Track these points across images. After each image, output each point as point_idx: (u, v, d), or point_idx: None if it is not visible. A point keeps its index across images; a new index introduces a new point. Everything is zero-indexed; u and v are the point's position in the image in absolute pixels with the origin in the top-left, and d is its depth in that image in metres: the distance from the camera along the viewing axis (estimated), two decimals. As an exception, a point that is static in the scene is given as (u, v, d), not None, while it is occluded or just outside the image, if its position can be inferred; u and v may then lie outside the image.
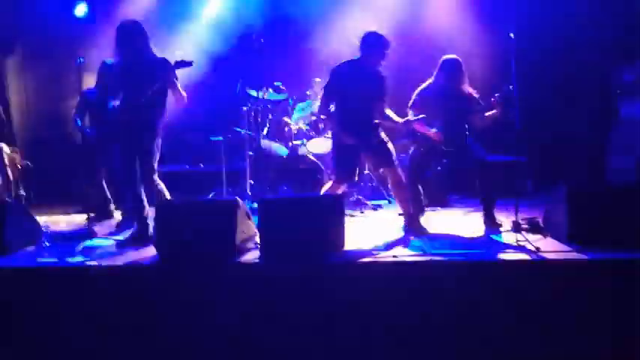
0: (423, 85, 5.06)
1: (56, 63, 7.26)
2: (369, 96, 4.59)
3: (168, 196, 4.58)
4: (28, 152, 6.71)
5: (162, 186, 4.62)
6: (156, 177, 4.57)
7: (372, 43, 4.58)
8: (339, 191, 4.66)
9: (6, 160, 6.28)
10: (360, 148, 4.63)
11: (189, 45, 7.10)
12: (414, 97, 5.06)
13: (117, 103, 4.44)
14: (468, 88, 4.96)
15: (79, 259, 4.04)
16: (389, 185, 4.86)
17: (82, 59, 4.64)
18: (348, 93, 4.57)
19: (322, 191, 4.74)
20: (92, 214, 5.57)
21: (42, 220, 4.86)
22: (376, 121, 4.66)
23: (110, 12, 7.58)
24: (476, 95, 4.95)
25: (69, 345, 3.64)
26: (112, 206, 5.89)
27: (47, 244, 4.51)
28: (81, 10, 7.44)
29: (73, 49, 6.56)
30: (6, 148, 6.35)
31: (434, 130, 4.81)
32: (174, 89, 4.44)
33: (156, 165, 4.56)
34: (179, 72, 4.39)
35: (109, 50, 6.57)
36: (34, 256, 4.21)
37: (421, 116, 4.69)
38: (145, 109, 4.38)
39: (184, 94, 4.48)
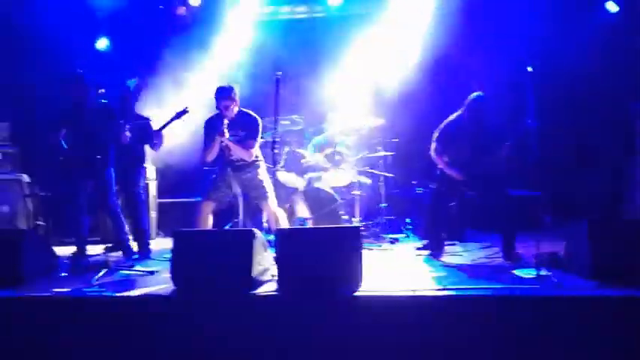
0: (448, 120, 5.08)
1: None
2: None
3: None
4: (48, 182, 6.75)
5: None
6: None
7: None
8: None
9: (26, 190, 6.36)
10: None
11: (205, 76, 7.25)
12: (438, 131, 5.08)
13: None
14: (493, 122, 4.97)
15: (95, 289, 4.02)
16: None
17: (103, 90, 4.71)
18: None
19: None
20: (110, 245, 5.61)
21: (59, 250, 4.87)
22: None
23: (130, 46, 7.77)
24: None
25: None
26: (130, 237, 5.90)
27: (64, 274, 4.51)
28: (102, 43, 7.61)
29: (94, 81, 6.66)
30: (25, 178, 6.43)
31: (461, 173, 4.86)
32: None
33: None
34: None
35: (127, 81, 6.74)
36: (50, 286, 4.19)
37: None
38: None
39: None
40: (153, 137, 5.55)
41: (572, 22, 6.92)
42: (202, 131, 5.21)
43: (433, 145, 5.12)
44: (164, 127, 5.45)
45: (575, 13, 7.00)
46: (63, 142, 5.10)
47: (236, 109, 5.14)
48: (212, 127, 5.09)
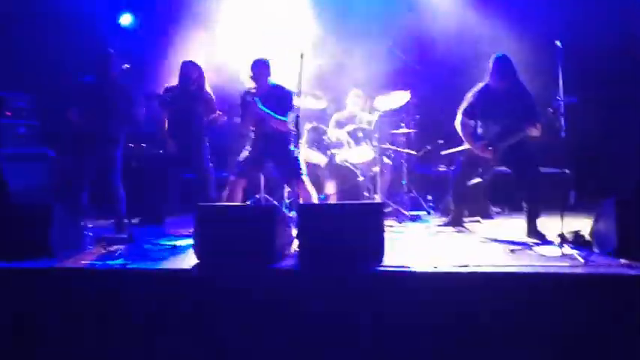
0: (475, 89, 4.98)
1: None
2: None
3: None
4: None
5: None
6: None
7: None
8: None
9: (51, 165, 6.44)
10: None
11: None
12: (465, 101, 5.00)
13: None
14: (524, 85, 4.88)
15: (119, 262, 4.09)
16: None
17: (127, 66, 4.73)
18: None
19: None
20: (138, 219, 5.69)
21: (88, 224, 4.95)
22: None
23: (154, 21, 7.77)
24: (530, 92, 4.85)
25: (108, 346, 3.69)
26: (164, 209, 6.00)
27: (89, 247, 4.59)
28: (126, 19, 7.62)
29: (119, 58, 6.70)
30: (51, 152, 6.52)
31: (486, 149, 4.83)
32: None
33: None
34: None
35: (153, 58, 6.79)
36: (76, 258, 4.27)
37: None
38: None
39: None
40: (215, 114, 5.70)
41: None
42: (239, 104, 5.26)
43: (458, 117, 5.04)
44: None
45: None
46: (73, 118, 5.27)
47: (270, 82, 5.18)
48: (247, 99, 5.13)
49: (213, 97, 5.82)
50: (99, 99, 5.19)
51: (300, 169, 5.12)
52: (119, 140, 5.35)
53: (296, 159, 5.14)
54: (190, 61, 5.75)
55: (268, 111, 5.05)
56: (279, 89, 5.20)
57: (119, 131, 5.34)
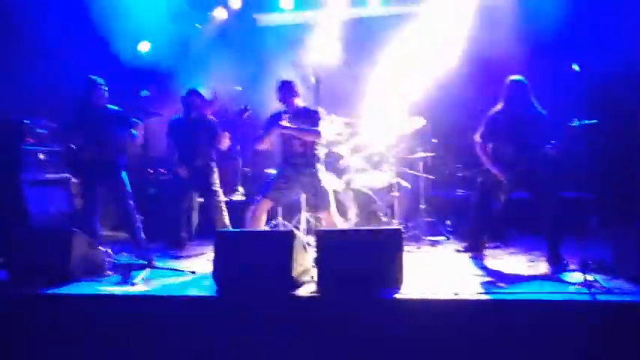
0: (490, 112, 4.98)
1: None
2: None
3: None
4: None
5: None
6: None
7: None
8: None
9: (73, 190, 6.52)
10: None
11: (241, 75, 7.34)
12: (483, 125, 5.00)
13: None
14: (537, 108, 4.85)
15: (138, 289, 4.10)
16: None
17: (147, 92, 4.80)
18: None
19: None
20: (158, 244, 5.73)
21: (106, 249, 4.97)
22: None
23: (172, 49, 7.90)
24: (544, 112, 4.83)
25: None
26: (184, 235, 6.02)
27: (110, 273, 4.61)
28: (144, 46, 7.76)
29: (138, 83, 6.80)
30: (73, 179, 6.60)
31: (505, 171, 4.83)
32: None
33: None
34: None
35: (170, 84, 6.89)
36: (96, 285, 4.29)
37: None
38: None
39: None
40: (219, 138, 5.69)
41: (619, 18, 6.71)
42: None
43: (477, 141, 5.05)
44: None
45: (622, 10, 6.78)
46: (73, 146, 5.42)
47: (299, 103, 5.16)
48: (274, 120, 5.07)
49: (215, 122, 5.91)
50: (93, 127, 5.28)
51: (329, 201, 5.04)
52: (117, 164, 5.40)
53: (326, 191, 5.03)
54: (193, 89, 5.86)
55: (292, 126, 4.99)
56: (305, 109, 5.14)
57: (116, 156, 5.40)
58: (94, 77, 5.35)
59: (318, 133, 5.02)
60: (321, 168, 5.20)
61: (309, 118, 5.07)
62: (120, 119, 5.36)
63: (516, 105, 4.84)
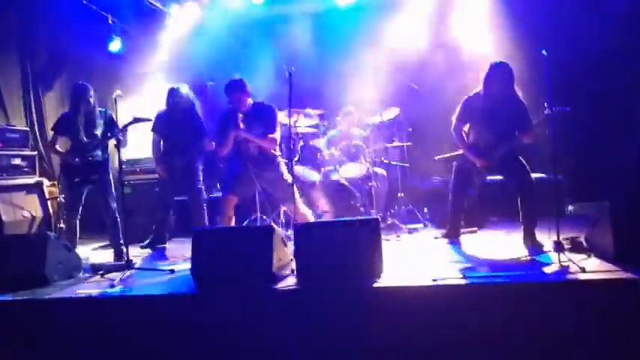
0: (471, 95, 5.00)
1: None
2: None
3: None
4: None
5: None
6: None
7: None
8: None
9: (46, 194, 6.44)
10: None
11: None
12: (459, 108, 5.02)
13: None
14: (519, 94, 4.87)
15: (117, 290, 4.07)
16: None
17: (119, 93, 4.76)
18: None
19: None
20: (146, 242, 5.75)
21: (82, 251, 4.94)
22: None
23: (142, 47, 7.84)
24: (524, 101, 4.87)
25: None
26: (165, 233, 5.98)
27: (86, 275, 4.58)
28: (116, 45, 7.67)
29: (109, 83, 6.75)
30: (46, 182, 6.52)
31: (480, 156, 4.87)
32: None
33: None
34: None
35: (141, 84, 6.88)
36: (74, 287, 4.25)
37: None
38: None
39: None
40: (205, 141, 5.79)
41: (589, 10, 6.81)
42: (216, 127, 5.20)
43: (453, 124, 5.08)
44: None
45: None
46: (58, 148, 5.47)
47: (250, 102, 5.12)
48: (226, 121, 5.03)
49: (203, 122, 5.87)
50: (78, 131, 5.31)
51: (293, 193, 4.96)
52: (104, 166, 5.40)
53: (289, 185, 4.93)
54: (177, 87, 5.79)
55: (247, 133, 4.98)
56: (261, 107, 5.10)
57: (102, 158, 5.42)
58: (83, 83, 5.41)
59: (274, 142, 5.03)
60: (281, 161, 5.22)
61: (264, 118, 5.04)
62: (107, 122, 5.38)
63: (498, 88, 4.81)
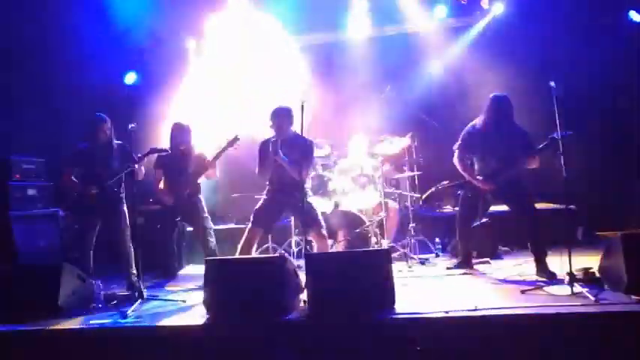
0: (471, 124, 5.07)
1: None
2: None
3: None
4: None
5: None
6: None
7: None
8: None
9: (61, 225, 6.51)
10: None
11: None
12: (461, 138, 5.09)
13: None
14: (517, 126, 4.94)
15: (129, 320, 4.09)
16: None
17: (134, 125, 4.84)
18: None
19: None
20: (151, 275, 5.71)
21: (95, 281, 4.97)
22: None
23: (158, 80, 7.98)
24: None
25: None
26: (175, 264, 5.99)
27: (99, 305, 4.61)
28: (131, 78, 7.83)
29: (125, 116, 6.85)
30: (60, 212, 6.60)
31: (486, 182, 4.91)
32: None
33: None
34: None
35: (156, 116, 6.98)
36: (87, 317, 4.28)
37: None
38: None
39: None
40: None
41: (595, 32, 6.89)
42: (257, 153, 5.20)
43: (455, 154, 5.13)
44: (217, 156, 5.57)
45: (598, 24, 6.96)
46: (73, 179, 5.42)
47: (291, 130, 5.12)
48: (267, 147, 5.05)
49: (204, 155, 5.88)
50: (94, 162, 5.35)
51: (320, 220, 5.05)
52: (118, 198, 5.43)
53: (315, 210, 5.07)
54: (180, 123, 5.86)
55: (284, 160, 4.97)
56: (300, 139, 5.06)
57: (117, 190, 5.43)
58: (100, 114, 5.45)
59: (303, 174, 4.94)
60: (308, 190, 5.25)
61: (302, 149, 5.02)
62: (123, 154, 5.39)
63: (498, 119, 4.91)
